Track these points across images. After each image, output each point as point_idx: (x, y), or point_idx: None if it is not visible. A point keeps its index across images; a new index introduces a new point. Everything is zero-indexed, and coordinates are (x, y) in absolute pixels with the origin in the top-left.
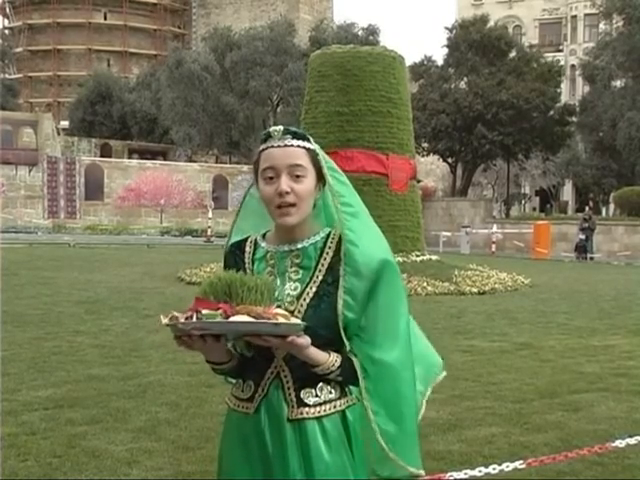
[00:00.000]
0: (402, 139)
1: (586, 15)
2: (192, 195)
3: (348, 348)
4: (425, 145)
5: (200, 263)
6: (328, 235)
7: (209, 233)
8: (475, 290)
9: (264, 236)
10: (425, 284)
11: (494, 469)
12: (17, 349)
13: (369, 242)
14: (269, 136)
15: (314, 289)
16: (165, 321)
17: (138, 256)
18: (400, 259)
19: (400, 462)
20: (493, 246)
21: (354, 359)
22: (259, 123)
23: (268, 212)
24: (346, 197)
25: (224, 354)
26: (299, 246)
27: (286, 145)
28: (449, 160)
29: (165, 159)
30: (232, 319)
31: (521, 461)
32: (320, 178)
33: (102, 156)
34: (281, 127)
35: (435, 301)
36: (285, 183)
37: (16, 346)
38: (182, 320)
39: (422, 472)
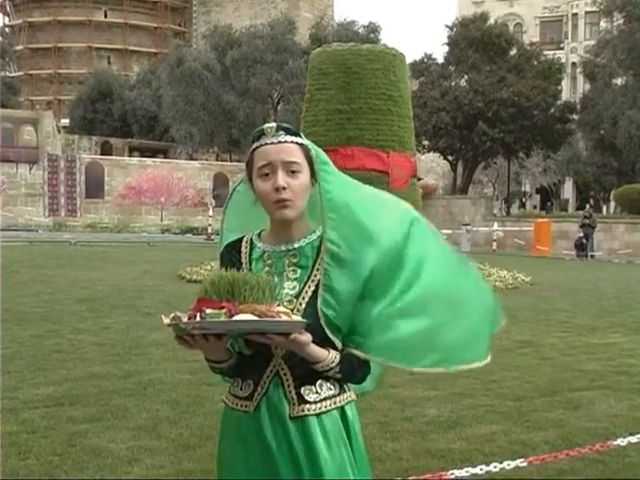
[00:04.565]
0: (403, 137)
1: (587, 13)
2: (193, 193)
3: (339, 344)
4: (426, 143)
5: (201, 261)
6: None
7: (210, 231)
8: None
9: (259, 235)
10: None
11: (495, 467)
12: (18, 347)
13: (356, 238)
14: (262, 134)
15: (312, 288)
16: (167, 321)
17: (139, 254)
18: None
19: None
20: (494, 244)
21: (351, 349)
22: (260, 121)
23: (265, 209)
24: (332, 193)
25: (224, 353)
26: (296, 245)
27: (280, 141)
28: (450, 158)
29: (166, 157)
30: (236, 318)
31: (522, 459)
32: (313, 174)
33: (102, 154)
34: (274, 124)
35: None
36: (282, 178)
37: (17, 344)
38: (185, 320)
39: (477, 364)
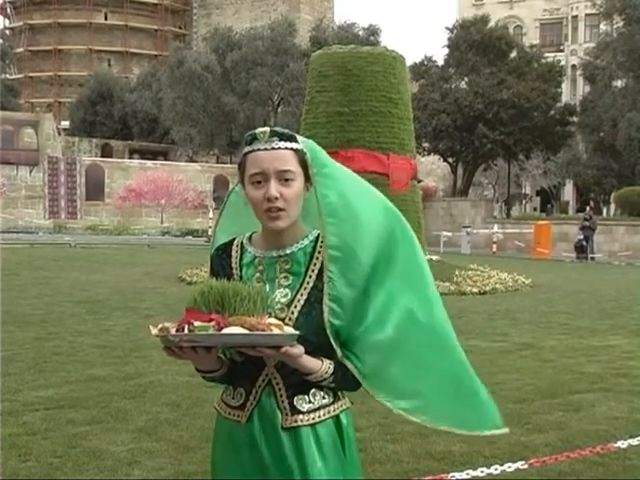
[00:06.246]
0: (403, 139)
1: (587, 15)
2: (193, 195)
3: (339, 355)
4: (426, 145)
5: (201, 263)
6: (317, 238)
7: (210, 233)
8: (476, 290)
9: (250, 238)
10: None
11: (496, 469)
12: (18, 349)
13: (356, 241)
14: (255, 138)
15: (305, 296)
16: (155, 332)
17: (139, 256)
18: None
19: (457, 430)
20: (494, 246)
21: (348, 364)
22: (260, 123)
23: (257, 216)
24: (330, 197)
25: (215, 363)
26: (288, 251)
27: (273, 148)
28: (450, 160)
29: (166, 159)
30: (225, 331)
31: (523, 461)
32: (308, 178)
33: (103, 156)
34: (267, 129)
35: None
36: (274, 188)
37: (17, 346)
38: (173, 332)
39: (490, 432)
